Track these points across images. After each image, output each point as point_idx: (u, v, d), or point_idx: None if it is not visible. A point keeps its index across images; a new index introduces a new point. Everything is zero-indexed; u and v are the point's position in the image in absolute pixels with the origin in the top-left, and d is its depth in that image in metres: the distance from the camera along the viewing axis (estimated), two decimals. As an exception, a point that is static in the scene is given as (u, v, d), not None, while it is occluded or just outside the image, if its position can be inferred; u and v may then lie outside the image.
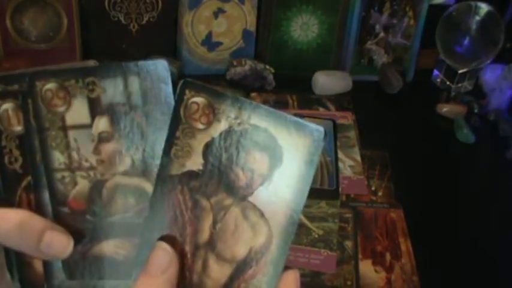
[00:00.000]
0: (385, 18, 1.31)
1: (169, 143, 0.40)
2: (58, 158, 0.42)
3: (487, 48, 1.29)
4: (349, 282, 0.95)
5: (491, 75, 1.32)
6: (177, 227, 0.40)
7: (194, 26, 1.28)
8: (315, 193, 1.07)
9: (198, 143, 0.40)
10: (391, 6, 1.30)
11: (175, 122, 0.40)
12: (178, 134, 0.40)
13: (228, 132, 0.39)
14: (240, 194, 0.40)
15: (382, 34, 1.33)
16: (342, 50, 1.35)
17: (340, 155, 1.15)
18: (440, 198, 1.12)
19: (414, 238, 1.02)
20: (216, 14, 1.28)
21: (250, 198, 0.39)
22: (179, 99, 0.40)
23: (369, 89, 1.34)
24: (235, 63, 1.29)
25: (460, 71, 1.32)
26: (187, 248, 0.40)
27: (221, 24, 1.30)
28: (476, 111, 1.29)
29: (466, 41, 1.31)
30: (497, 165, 1.22)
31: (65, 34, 1.26)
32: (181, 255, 0.40)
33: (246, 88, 1.29)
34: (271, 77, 1.29)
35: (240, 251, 0.40)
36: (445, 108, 1.29)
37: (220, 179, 0.40)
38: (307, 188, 0.39)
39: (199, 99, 0.40)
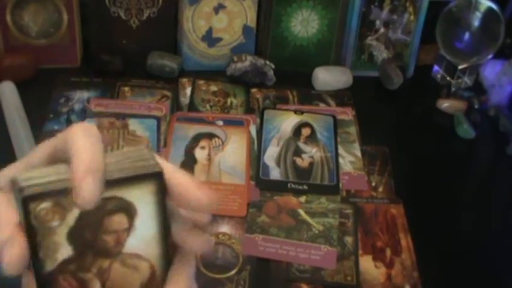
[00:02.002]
0: (386, 13, 1.31)
1: (34, 250, 0.41)
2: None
3: (487, 44, 1.29)
4: (349, 278, 0.95)
5: (491, 70, 1.32)
6: None
7: (194, 21, 1.28)
8: (315, 188, 1.08)
9: (60, 236, 0.42)
10: (392, 2, 1.30)
11: (32, 232, 0.41)
12: (39, 239, 0.41)
13: (82, 215, 0.42)
14: (113, 252, 0.44)
15: (382, 30, 1.33)
16: (342, 45, 1.35)
17: (341, 150, 1.16)
18: (440, 193, 1.12)
19: (414, 234, 1.02)
20: (216, 10, 1.28)
21: (124, 250, 0.44)
22: (26, 213, 0.40)
23: (369, 84, 1.34)
24: (235, 59, 1.29)
25: (460, 67, 1.32)
26: None
27: (221, 20, 1.30)
28: (476, 106, 1.29)
29: (466, 37, 1.31)
30: (497, 161, 1.22)
31: (65, 30, 1.26)
32: None
33: (247, 84, 1.29)
34: (271, 72, 1.29)
35: None
36: (445, 104, 1.29)
37: (91, 252, 0.43)
38: (166, 215, 0.44)
39: (45, 205, 0.41)
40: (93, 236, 0.43)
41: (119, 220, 0.43)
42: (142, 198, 0.43)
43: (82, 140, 0.41)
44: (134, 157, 0.43)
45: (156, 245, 0.45)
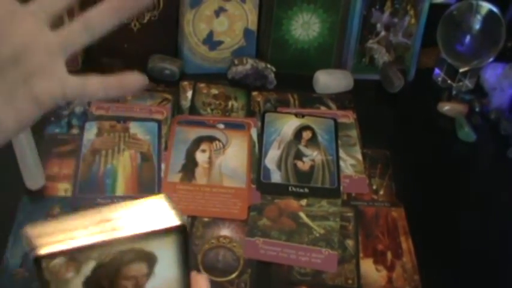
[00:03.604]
0: (387, 17, 1.31)
1: None
2: None
3: (488, 47, 1.29)
4: (350, 281, 0.95)
5: (492, 74, 1.32)
6: None
7: (195, 24, 1.28)
8: (316, 192, 1.07)
9: (76, 286, 0.41)
10: (393, 5, 1.30)
11: (46, 284, 0.41)
12: None
13: (99, 266, 0.41)
14: None
15: (383, 33, 1.33)
16: (343, 48, 1.35)
17: (342, 153, 1.16)
18: (441, 196, 1.12)
19: (415, 237, 1.02)
20: (217, 13, 1.28)
21: None
22: (38, 270, 0.40)
23: (370, 87, 1.34)
24: (236, 62, 1.29)
25: (461, 70, 1.32)
26: None
27: (222, 23, 1.30)
28: (477, 110, 1.29)
29: (467, 40, 1.31)
30: (498, 164, 1.22)
31: (66, 33, 1.26)
32: None
33: (248, 87, 1.29)
34: (272, 76, 1.29)
35: None
36: (446, 107, 1.29)
37: None
38: (187, 261, 0.44)
39: (59, 261, 0.40)
40: (111, 284, 0.42)
41: (137, 268, 0.43)
42: (163, 248, 0.43)
43: None
44: (154, 209, 0.43)
45: (177, 285, 0.45)
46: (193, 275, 0.46)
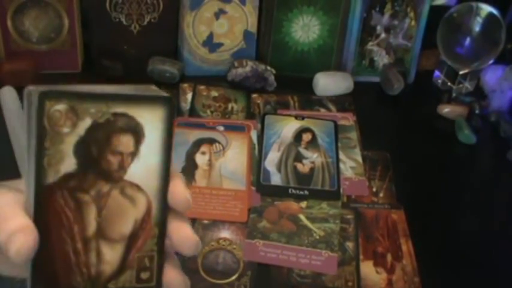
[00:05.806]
0: (387, 19, 1.31)
1: (40, 155, 0.42)
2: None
3: (488, 49, 1.29)
4: (350, 284, 0.95)
5: (492, 76, 1.32)
6: (65, 230, 0.43)
7: (195, 27, 1.28)
8: (316, 194, 1.07)
9: (68, 146, 0.42)
10: (393, 7, 1.30)
11: (42, 134, 0.42)
12: (47, 144, 0.42)
13: (93, 126, 0.42)
14: (115, 177, 0.44)
15: (383, 35, 1.33)
16: (343, 51, 1.35)
17: (342, 156, 1.15)
18: (441, 199, 1.12)
19: (415, 239, 1.02)
20: (217, 15, 1.28)
21: (126, 177, 0.44)
22: (40, 112, 0.41)
23: (370, 90, 1.34)
24: (236, 64, 1.29)
25: (461, 72, 1.32)
26: (79, 246, 0.44)
27: (222, 25, 1.30)
28: (477, 112, 1.29)
29: (467, 42, 1.31)
30: (498, 166, 1.22)
31: (66, 35, 1.26)
32: (74, 254, 0.44)
33: (247, 89, 1.29)
34: (272, 78, 1.29)
35: (127, 227, 0.45)
36: (446, 109, 1.29)
37: (94, 170, 0.43)
38: (171, 147, 0.45)
39: (61, 106, 0.41)
40: (99, 153, 0.43)
41: (126, 141, 0.43)
42: (151, 123, 0.44)
43: None
44: (144, 88, 0.45)
45: (157, 177, 0.45)
46: (173, 173, 0.46)
